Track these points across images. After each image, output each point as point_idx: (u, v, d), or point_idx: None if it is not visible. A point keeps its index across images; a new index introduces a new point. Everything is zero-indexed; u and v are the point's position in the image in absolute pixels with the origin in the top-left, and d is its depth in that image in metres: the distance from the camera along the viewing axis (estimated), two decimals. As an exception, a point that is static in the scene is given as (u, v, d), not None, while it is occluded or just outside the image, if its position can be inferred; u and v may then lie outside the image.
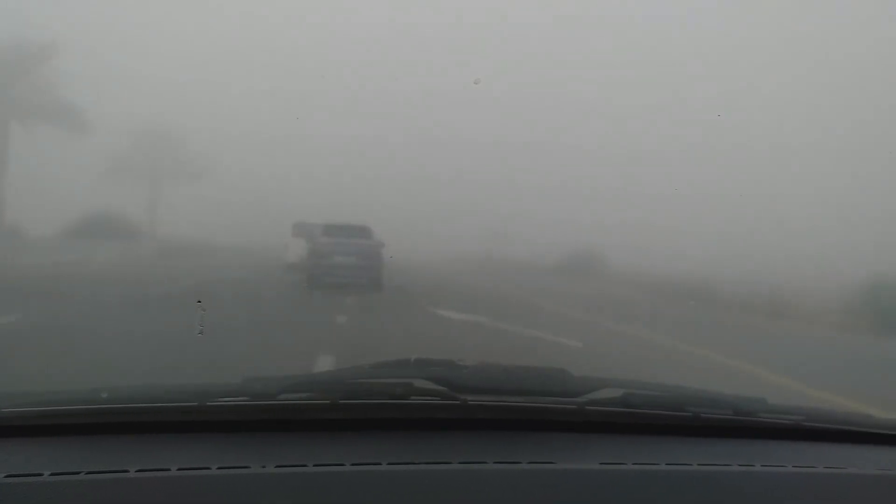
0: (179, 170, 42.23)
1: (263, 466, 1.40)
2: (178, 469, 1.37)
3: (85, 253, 21.51)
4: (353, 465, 1.43)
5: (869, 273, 17.63)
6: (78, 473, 1.34)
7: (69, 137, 31.78)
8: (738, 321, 14.66)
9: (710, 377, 7.43)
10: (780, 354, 10.25)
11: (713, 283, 19.75)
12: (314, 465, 1.42)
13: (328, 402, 1.69)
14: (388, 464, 1.45)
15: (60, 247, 22.95)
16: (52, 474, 1.33)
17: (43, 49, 29.73)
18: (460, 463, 1.48)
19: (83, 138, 32.64)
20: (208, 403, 1.65)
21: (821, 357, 10.71)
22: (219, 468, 1.38)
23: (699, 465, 1.57)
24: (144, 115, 41.24)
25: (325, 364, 6.45)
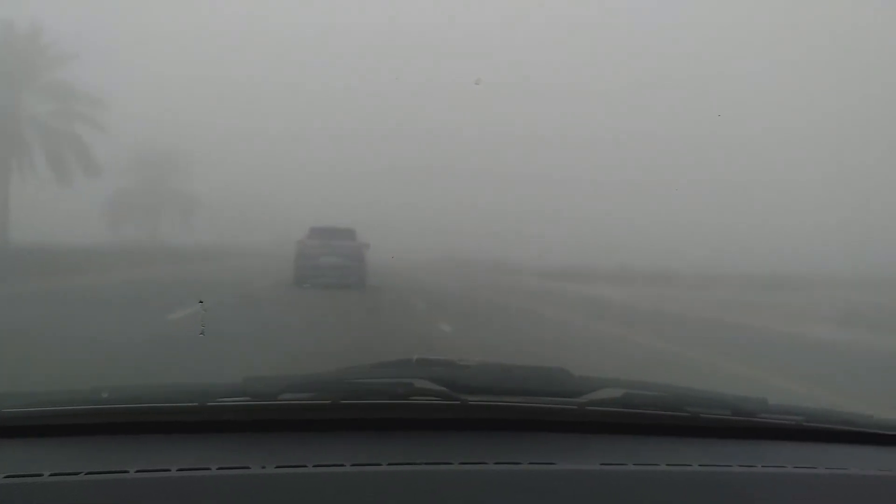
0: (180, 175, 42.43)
1: (263, 467, 1.40)
2: (178, 470, 1.37)
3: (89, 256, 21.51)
4: (353, 465, 1.42)
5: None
6: (78, 474, 1.34)
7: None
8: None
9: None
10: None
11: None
12: (314, 466, 1.42)
13: (329, 402, 1.69)
14: (389, 464, 1.44)
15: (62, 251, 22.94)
16: (51, 475, 1.33)
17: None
18: (461, 464, 1.48)
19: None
20: (208, 404, 1.65)
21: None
22: (219, 469, 1.38)
23: (700, 465, 1.57)
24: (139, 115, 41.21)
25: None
